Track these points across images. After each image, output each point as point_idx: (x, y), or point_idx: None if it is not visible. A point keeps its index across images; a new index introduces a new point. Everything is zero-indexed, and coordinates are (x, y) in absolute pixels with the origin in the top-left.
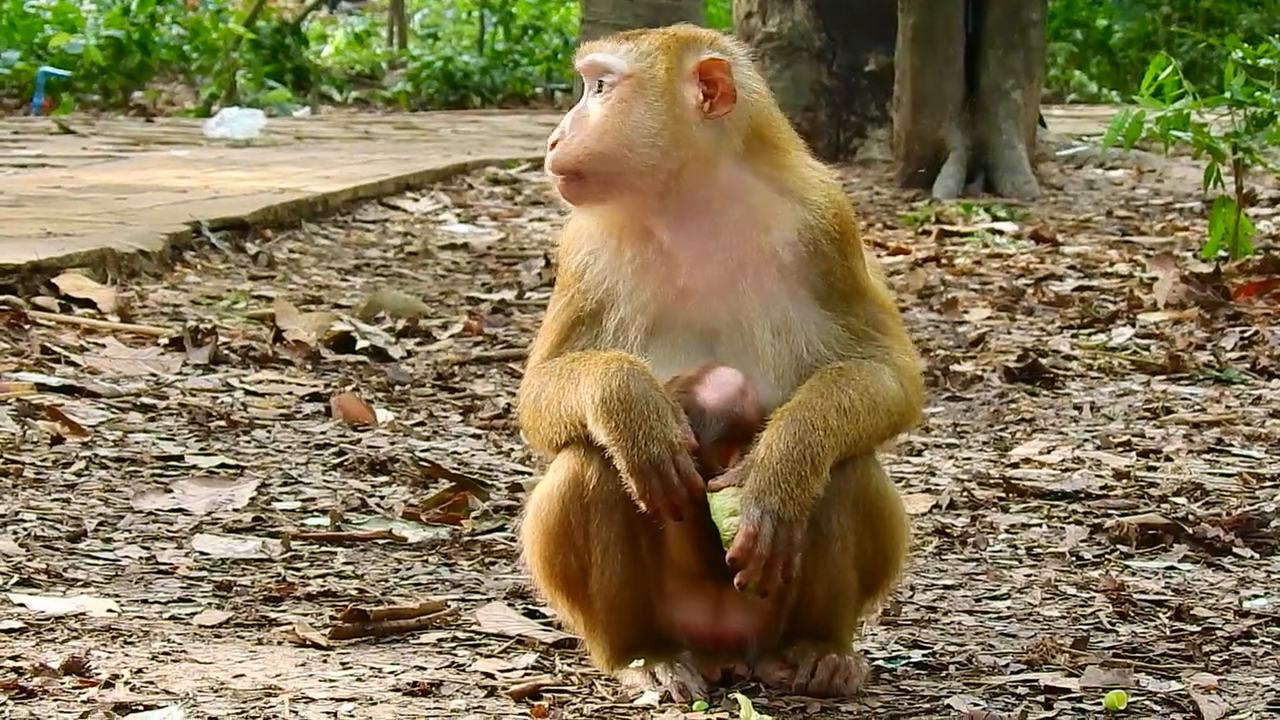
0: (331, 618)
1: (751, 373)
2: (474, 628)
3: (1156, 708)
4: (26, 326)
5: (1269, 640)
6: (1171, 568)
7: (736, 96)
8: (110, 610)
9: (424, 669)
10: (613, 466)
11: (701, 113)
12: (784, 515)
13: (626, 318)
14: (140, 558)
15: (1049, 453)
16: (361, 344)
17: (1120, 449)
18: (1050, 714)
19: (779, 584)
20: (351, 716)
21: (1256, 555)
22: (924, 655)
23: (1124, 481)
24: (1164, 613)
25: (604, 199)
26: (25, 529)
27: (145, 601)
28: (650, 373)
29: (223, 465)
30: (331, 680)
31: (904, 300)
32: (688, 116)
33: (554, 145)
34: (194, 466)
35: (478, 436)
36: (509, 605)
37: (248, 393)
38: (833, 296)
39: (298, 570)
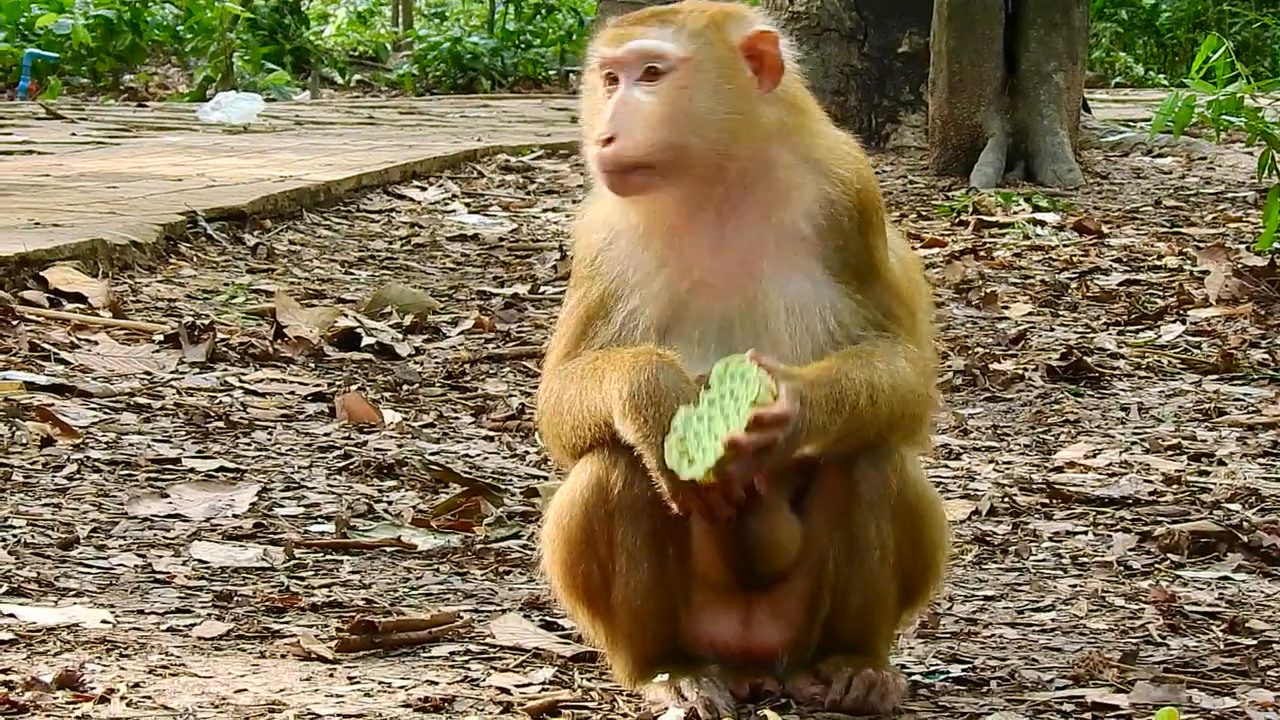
0: (338, 629)
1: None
2: (488, 640)
3: None
4: (14, 322)
5: None
6: (1225, 578)
7: (784, 69)
8: (105, 621)
9: (435, 683)
10: (639, 470)
11: (755, 89)
12: (808, 423)
13: (637, 308)
14: (136, 566)
15: (1095, 456)
16: (367, 341)
17: (1170, 452)
18: None
19: (745, 479)
20: None
21: None
22: (964, 670)
23: (1174, 487)
24: (1218, 625)
25: (660, 188)
26: (14, 536)
27: (141, 612)
28: (680, 366)
29: (221, 469)
30: (338, 695)
31: (940, 295)
32: (750, 94)
33: (608, 140)
34: (191, 470)
35: (490, 438)
36: (525, 616)
37: (247, 392)
38: (845, 272)
39: (302, 579)
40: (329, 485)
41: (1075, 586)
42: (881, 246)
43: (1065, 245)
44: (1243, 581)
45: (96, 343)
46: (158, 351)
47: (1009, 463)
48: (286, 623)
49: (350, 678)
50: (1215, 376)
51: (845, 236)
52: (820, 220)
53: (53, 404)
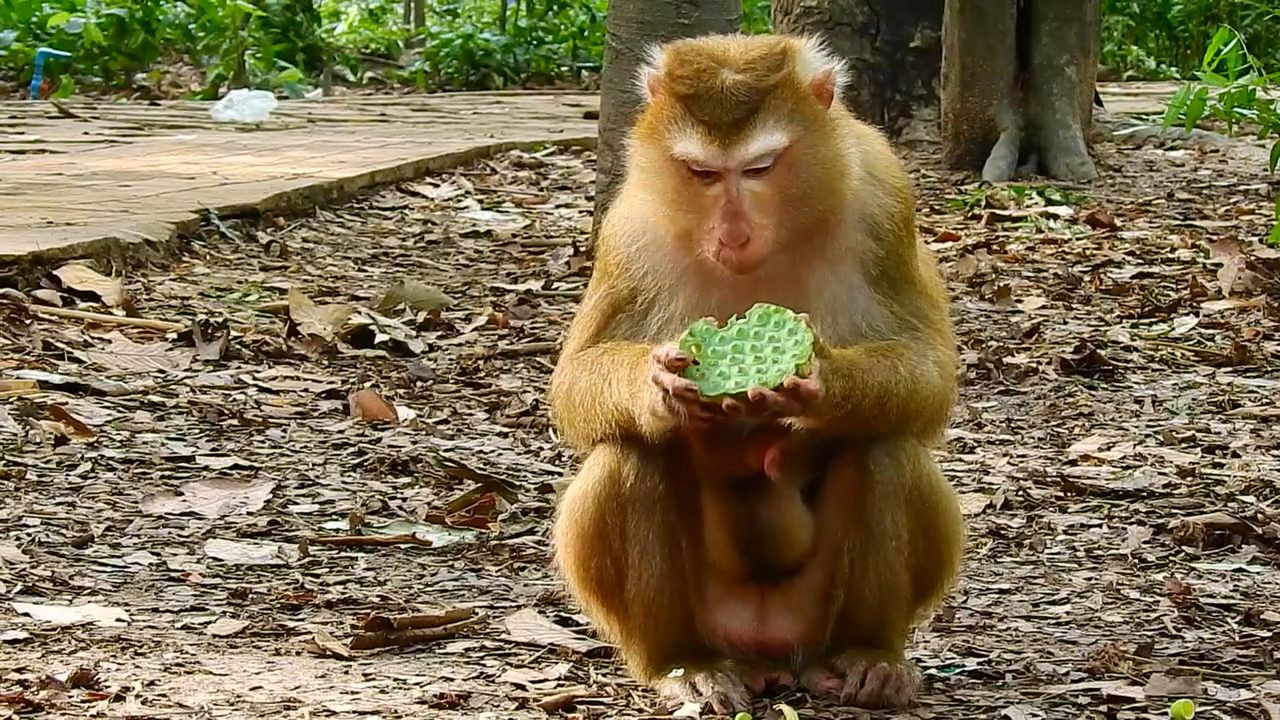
0: (353, 626)
1: None
2: (503, 636)
3: (1225, 718)
4: (27, 321)
5: None
6: (1240, 570)
7: (834, 90)
8: (119, 620)
9: (451, 680)
10: (652, 463)
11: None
12: (825, 400)
13: (673, 315)
14: (150, 564)
15: (1109, 449)
16: (381, 338)
17: (1184, 445)
18: None
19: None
20: None
21: None
22: (979, 663)
23: (1188, 479)
24: (1232, 617)
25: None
26: (29, 534)
27: (156, 610)
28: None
29: (236, 466)
30: (353, 692)
31: (953, 289)
32: (836, 138)
33: (740, 244)
34: (205, 468)
35: (504, 435)
36: (540, 612)
37: (261, 390)
38: (882, 281)
39: (316, 577)
40: (343, 482)
41: (1090, 579)
42: (914, 255)
43: (1078, 238)
44: (1257, 573)
45: (110, 341)
46: (171, 350)
47: (1023, 456)
48: (301, 620)
49: (365, 675)
50: (1229, 369)
51: (886, 247)
52: (871, 229)
53: (66, 403)
